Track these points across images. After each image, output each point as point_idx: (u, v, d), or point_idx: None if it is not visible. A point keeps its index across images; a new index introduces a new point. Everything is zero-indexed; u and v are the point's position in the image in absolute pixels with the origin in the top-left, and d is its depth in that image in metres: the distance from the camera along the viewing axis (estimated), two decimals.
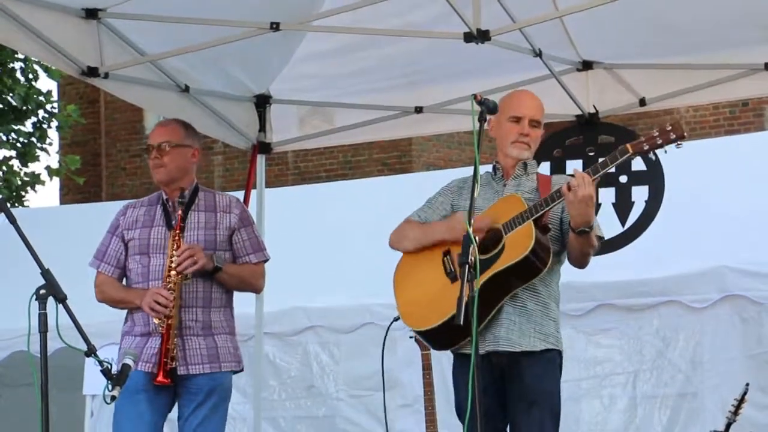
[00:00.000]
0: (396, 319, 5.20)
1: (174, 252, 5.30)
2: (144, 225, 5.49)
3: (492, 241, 4.80)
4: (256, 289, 5.77)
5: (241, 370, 5.59)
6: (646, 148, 4.72)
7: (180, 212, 5.37)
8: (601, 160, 4.81)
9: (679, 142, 4.69)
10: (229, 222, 5.49)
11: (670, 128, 4.69)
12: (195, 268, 5.29)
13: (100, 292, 5.58)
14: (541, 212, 4.80)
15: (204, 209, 5.50)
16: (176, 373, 5.32)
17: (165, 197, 5.51)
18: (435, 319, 4.89)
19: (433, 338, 5.06)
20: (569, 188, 4.68)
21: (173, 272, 5.29)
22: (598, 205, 6.63)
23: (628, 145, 4.75)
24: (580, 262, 4.97)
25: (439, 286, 4.93)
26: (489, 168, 5.20)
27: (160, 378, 5.28)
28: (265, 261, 5.61)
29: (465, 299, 4.25)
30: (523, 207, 4.83)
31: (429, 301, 4.95)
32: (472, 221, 4.38)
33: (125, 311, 5.56)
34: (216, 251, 5.43)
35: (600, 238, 4.99)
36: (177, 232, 5.35)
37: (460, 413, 4.84)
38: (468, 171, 4.89)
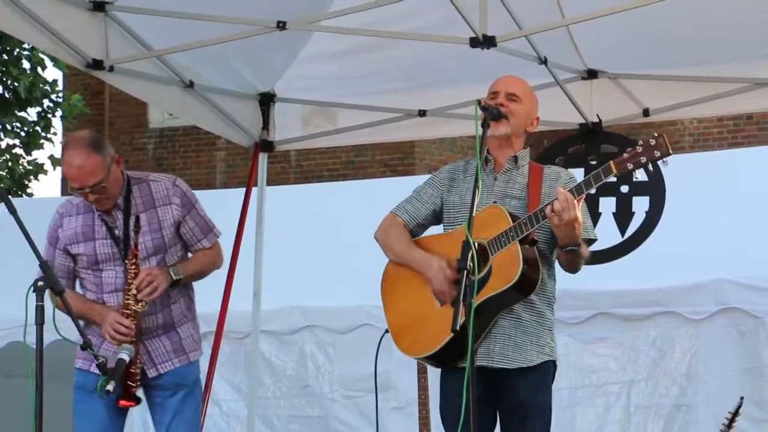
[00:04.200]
0: (387, 332, 5.11)
1: (132, 282, 5.20)
2: (86, 239, 5.35)
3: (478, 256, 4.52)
4: (217, 268, 5.65)
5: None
6: (630, 167, 4.56)
7: (132, 246, 5.23)
8: (584, 178, 4.72)
9: (664, 159, 4.53)
10: (172, 216, 5.37)
11: (654, 143, 4.51)
12: (156, 295, 5.22)
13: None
14: (526, 233, 4.67)
15: (143, 208, 5.34)
16: (147, 377, 5.32)
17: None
18: (426, 347, 4.85)
19: (426, 361, 5.05)
20: (553, 211, 4.56)
21: (132, 300, 5.19)
22: (599, 215, 6.65)
23: (612, 164, 4.58)
24: (571, 271, 4.90)
25: (426, 306, 4.85)
26: None
27: (123, 402, 5.22)
28: (218, 237, 5.52)
29: (461, 309, 4.22)
30: (507, 221, 4.71)
31: (419, 324, 4.88)
32: (470, 234, 4.31)
33: None
34: (167, 251, 5.35)
35: (591, 240, 4.91)
36: (133, 261, 5.22)
37: (444, 418, 4.92)
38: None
